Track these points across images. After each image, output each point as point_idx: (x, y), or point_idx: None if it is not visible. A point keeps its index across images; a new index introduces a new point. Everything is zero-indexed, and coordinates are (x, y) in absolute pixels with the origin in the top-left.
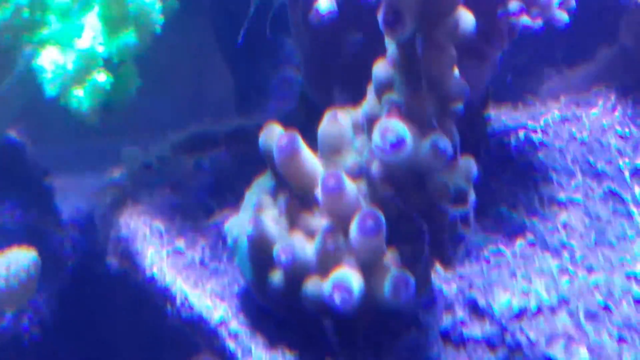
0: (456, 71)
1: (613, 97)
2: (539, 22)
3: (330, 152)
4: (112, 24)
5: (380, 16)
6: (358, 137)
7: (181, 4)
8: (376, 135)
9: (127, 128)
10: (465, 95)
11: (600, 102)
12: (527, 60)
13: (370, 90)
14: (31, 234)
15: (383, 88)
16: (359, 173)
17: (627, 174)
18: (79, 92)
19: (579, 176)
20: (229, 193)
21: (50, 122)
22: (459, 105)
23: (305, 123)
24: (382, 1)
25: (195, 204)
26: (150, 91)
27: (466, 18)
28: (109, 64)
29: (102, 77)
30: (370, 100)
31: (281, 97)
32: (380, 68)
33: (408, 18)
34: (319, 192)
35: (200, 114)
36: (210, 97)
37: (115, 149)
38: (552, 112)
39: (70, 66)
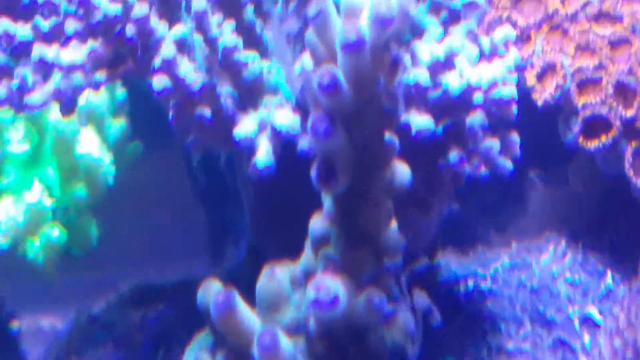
0: (393, 224)
1: (563, 243)
2: (483, 171)
3: (267, 308)
4: (65, 177)
5: (313, 171)
6: (296, 292)
7: (153, 140)
8: (310, 293)
9: (101, 261)
10: (402, 249)
11: (551, 248)
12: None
13: (308, 245)
14: None
15: (319, 243)
16: (296, 329)
17: (576, 322)
18: (33, 243)
19: (528, 325)
20: (174, 348)
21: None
22: (397, 259)
23: (253, 273)
24: (315, 156)
25: None
26: (123, 224)
27: (402, 171)
28: (65, 215)
29: (55, 232)
30: (307, 255)
31: None
32: (317, 222)
33: (341, 173)
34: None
35: (173, 248)
36: (183, 231)
37: (91, 283)
38: (502, 259)
39: (20, 218)
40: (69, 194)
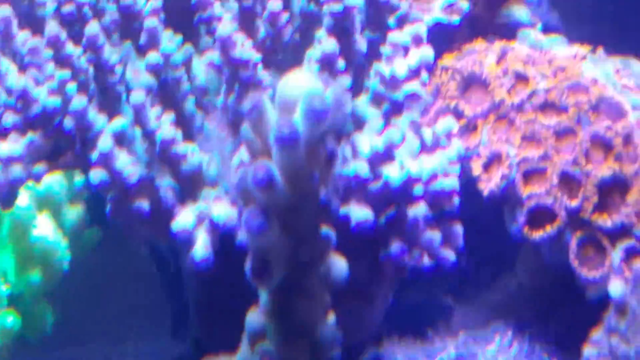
0: (330, 318)
1: (510, 333)
2: (426, 262)
3: None
4: (21, 262)
5: (247, 265)
6: None
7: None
8: None
9: (56, 345)
10: (339, 343)
11: (497, 338)
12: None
13: (244, 339)
14: None
15: (256, 337)
16: None
17: None
18: None
19: None
20: None
21: None
22: (335, 353)
23: None
24: (249, 250)
25: None
26: (80, 309)
27: (338, 265)
28: (21, 301)
29: (10, 318)
30: (243, 350)
31: None
32: (253, 317)
33: (276, 268)
34: None
35: (128, 334)
36: (141, 317)
37: None
38: (449, 349)
39: None
40: (25, 279)
